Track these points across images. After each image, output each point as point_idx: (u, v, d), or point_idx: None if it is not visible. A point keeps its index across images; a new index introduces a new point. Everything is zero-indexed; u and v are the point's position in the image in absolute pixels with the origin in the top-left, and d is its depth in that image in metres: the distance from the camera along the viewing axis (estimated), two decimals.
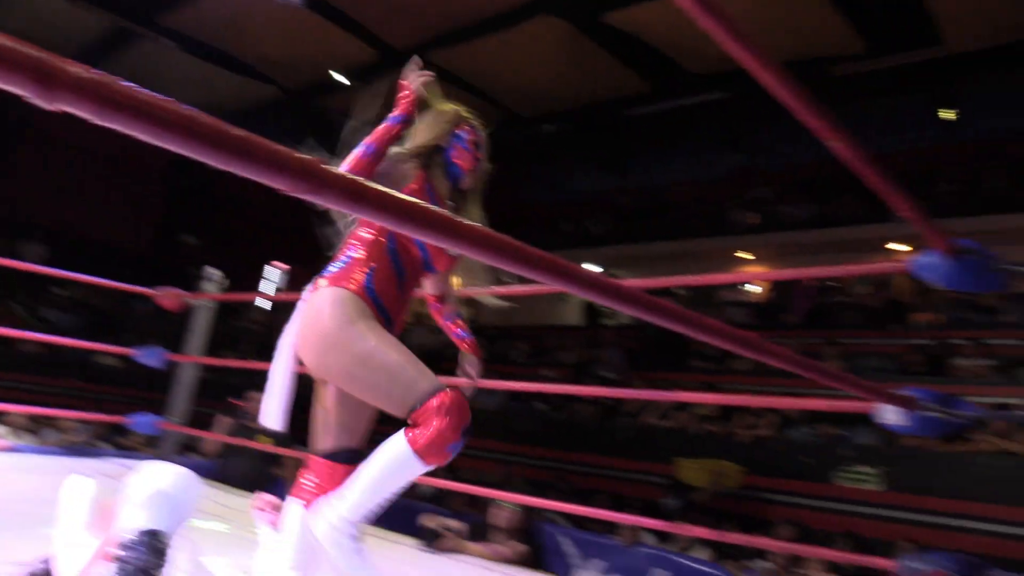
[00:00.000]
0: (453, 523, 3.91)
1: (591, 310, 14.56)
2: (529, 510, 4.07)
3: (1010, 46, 11.01)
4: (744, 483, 7.61)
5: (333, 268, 2.14)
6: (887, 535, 6.64)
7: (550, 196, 18.67)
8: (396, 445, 1.87)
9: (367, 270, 2.10)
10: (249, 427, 5.20)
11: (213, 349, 13.99)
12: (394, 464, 1.87)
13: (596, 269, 15.53)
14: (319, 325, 2.01)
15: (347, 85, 14.82)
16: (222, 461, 5.35)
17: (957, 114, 13.27)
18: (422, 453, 1.83)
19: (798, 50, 11.81)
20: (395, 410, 1.92)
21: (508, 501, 3.98)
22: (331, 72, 14.34)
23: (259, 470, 5.11)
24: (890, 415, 2.28)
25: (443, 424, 1.82)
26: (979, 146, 12.55)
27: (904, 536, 6.39)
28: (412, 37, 12.62)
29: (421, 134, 2.30)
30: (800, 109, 1.46)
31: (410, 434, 1.86)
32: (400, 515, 3.01)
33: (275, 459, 5.17)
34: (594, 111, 14.44)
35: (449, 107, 2.38)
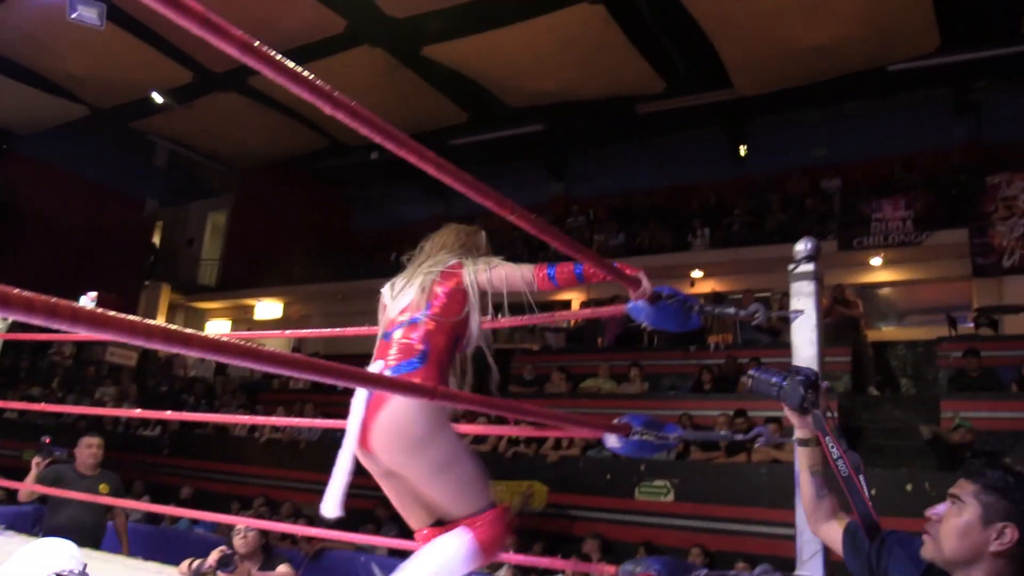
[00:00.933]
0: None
1: None
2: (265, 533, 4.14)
3: (788, 92, 12.24)
4: (551, 502, 7.98)
5: (406, 366, 2.15)
6: (680, 543, 7.18)
7: (377, 223, 18.73)
8: (460, 541, 2.05)
9: (440, 370, 2.17)
10: (80, 473, 4.68)
11: (14, 385, 13.06)
12: (458, 557, 2.05)
13: None
14: (409, 429, 2.07)
15: (164, 105, 14.30)
16: (48, 510, 4.87)
17: (746, 151, 14.57)
18: (487, 549, 2.07)
19: (606, 88, 12.63)
20: (457, 510, 2.11)
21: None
22: (147, 92, 13.79)
23: (94, 519, 4.72)
24: (612, 440, 2.56)
25: (501, 530, 2.11)
26: (765, 181, 13.81)
27: (694, 542, 6.93)
28: (229, 59, 12.32)
29: None
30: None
31: (473, 533, 2.06)
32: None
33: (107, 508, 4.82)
34: (417, 140, 14.60)
35: None
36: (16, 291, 0.77)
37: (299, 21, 11.02)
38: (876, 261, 11.63)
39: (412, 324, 2.22)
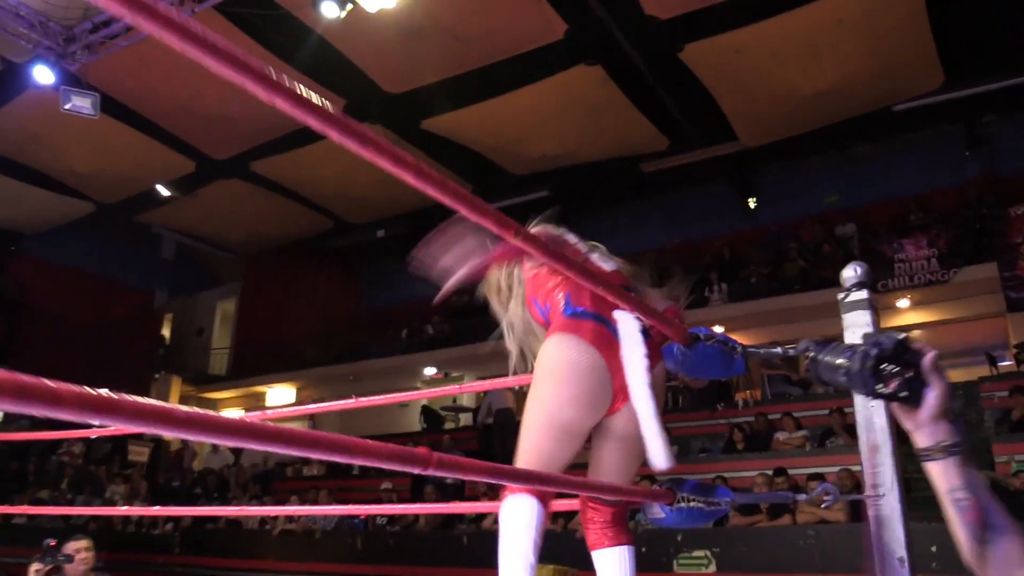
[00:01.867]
0: None
1: (430, 415, 14.29)
2: None
3: (793, 140, 12.08)
4: None
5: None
6: None
7: (387, 301, 18.52)
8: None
9: None
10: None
11: (23, 489, 12.69)
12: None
13: (433, 371, 15.34)
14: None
15: (169, 197, 14.30)
16: None
17: (756, 202, 14.35)
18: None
19: (610, 149, 12.53)
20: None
21: None
22: (151, 185, 13.80)
23: None
24: (655, 511, 2.22)
25: None
26: (779, 230, 13.55)
27: None
28: (231, 148, 12.37)
29: None
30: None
31: None
32: None
33: None
34: (422, 214, 14.56)
35: None
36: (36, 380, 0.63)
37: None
38: (903, 303, 11.25)
39: None
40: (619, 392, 2.01)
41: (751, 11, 9.25)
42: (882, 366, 1.15)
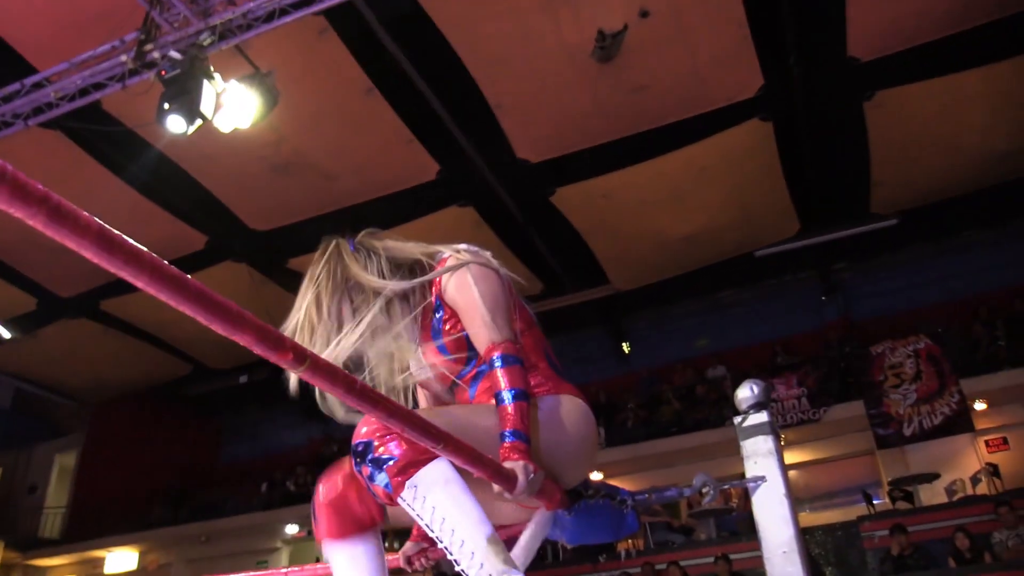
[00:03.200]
0: None
1: None
2: None
3: (663, 284, 12.33)
4: None
5: None
6: None
7: (250, 452, 17.27)
8: None
9: None
10: None
11: None
12: None
13: (295, 529, 14.13)
14: None
15: (7, 338, 12.98)
16: None
17: (630, 346, 14.46)
18: None
19: None
20: None
21: None
22: None
23: None
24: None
25: None
26: (651, 375, 13.61)
27: None
28: (78, 284, 11.46)
29: None
30: None
31: None
32: None
33: None
34: None
35: None
36: None
37: (158, 236, 10.38)
38: None
39: None
40: None
41: (618, 157, 9.53)
42: None
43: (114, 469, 16.13)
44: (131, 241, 0.78)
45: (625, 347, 14.74)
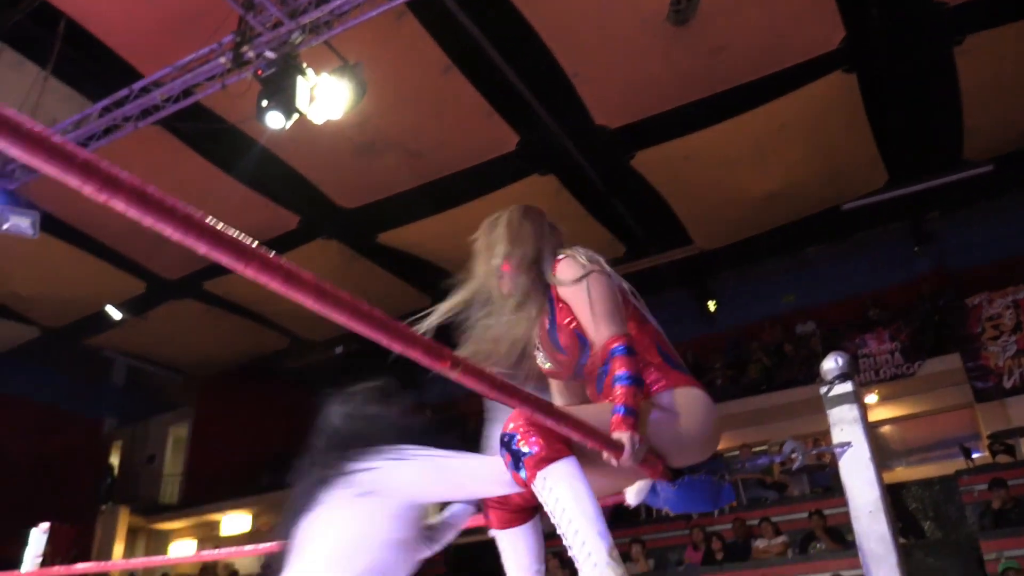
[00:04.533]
0: None
1: None
2: None
3: (747, 242, 12.23)
4: None
5: None
6: None
7: None
8: None
9: None
10: None
11: None
12: None
13: None
14: None
15: (119, 320, 13.85)
16: None
17: (716, 306, 14.40)
18: None
19: None
20: None
21: None
22: (100, 307, 13.37)
23: None
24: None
25: None
26: (738, 334, 13.55)
27: None
28: (182, 267, 12.13)
29: None
30: None
31: None
32: None
33: None
34: None
35: None
36: None
37: (255, 221, 10.90)
38: (871, 399, 11.15)
39: None
40: None
41: (697, 118, 9.47)
42: None
43: (223, 438, 17.09)
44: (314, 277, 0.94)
45: (711, 306, 14.69)
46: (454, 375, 1.14)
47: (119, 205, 0.72)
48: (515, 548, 2.04)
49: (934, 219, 12.69)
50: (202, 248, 0.80)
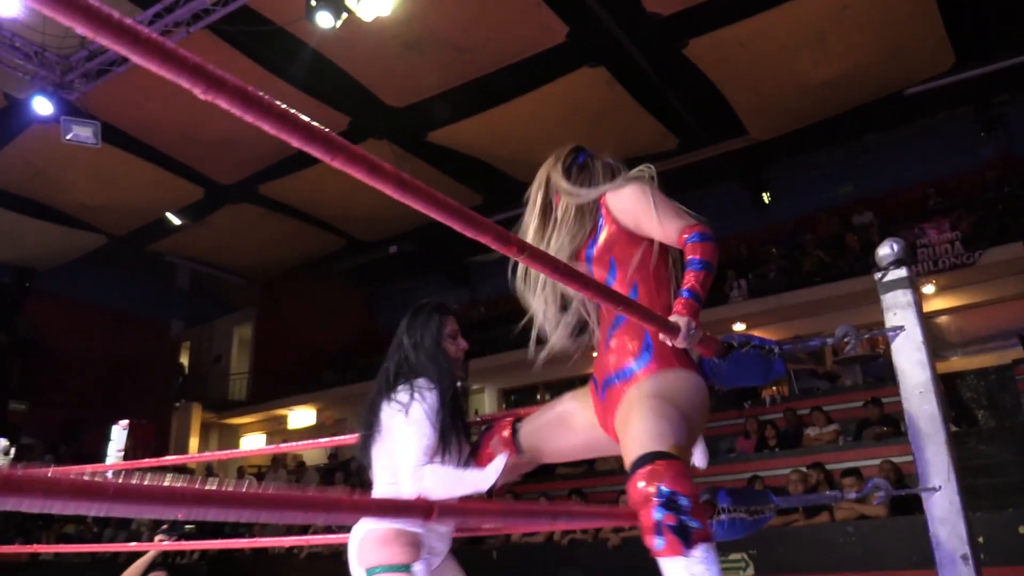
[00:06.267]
0: None
1: None
2: None
3: (804, 131, 11.90)
4: None
5: None
6: None
7: (401, 318, 18.43)
8: None
9: None
10: None
11: (49, 525, 12.63)
12: None
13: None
14: None
15: (180, 225, 14.25)
16: None
17: (770, 197, 14.16)
18: None
19: (618, 150, 12.31)
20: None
21: None
22: (160, 214, 13.76)
23: None
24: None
25: None
26: (794, 225, 13.35)
27: None
28: (238, 172, 12.33)
29: None
30: None
31: None
32: None
33: None
34: (433, 228, 14.47)
35: None
36: None
37: None
38: (929, 289, 10.99)
39: None
40: None
41: (753, 3, 9.12)
42: None
43: (285, 338, 17.74)
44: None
45: (765, 197, 14.46)
46: (522, 259, 1.21)
47: (223, 103, 0.78)
48: None
49: (1003, 103, 12.15)
50: (295, 141, 0.85)
